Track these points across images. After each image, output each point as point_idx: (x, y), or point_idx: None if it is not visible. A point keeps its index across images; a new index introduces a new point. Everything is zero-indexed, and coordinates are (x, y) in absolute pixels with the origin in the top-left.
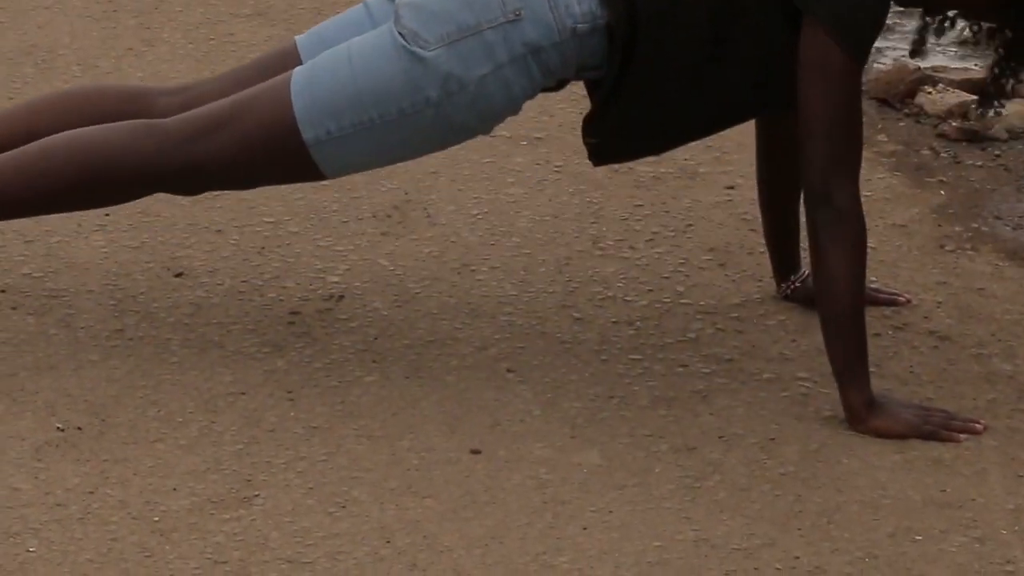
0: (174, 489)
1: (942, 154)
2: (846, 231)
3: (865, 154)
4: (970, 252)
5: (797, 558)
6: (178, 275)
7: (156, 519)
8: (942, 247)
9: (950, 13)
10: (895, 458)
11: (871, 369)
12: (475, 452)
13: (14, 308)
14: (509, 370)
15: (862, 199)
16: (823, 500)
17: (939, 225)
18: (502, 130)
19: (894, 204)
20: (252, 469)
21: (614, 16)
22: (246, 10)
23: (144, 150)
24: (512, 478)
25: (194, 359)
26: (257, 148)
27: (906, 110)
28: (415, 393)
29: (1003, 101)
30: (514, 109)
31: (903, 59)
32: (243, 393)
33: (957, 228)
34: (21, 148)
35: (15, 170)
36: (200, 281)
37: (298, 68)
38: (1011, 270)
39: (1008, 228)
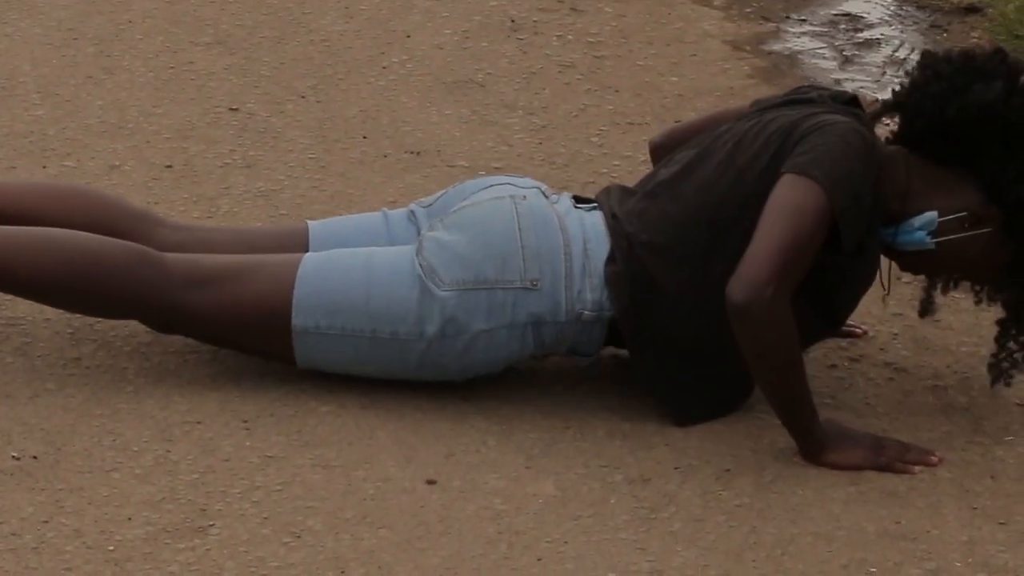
0: (129, 518)
1: None
2: (775, 325)
3: None
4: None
5: None
6: None
7: (111, 548)
8: (899, 279)
9: (954, 276)
10: (849, 490)
11: (827, 400)
12: (430, 482)
13: None
14: (464, 400)
15: None
16: (777, 531)
17: None
18: (460, 160)
19: None
20: (207, 498)
21: (621, 312)
22: (206, 39)
23: (139, 276)
24: (467, 508)
25: (150, 388)
26: (245, 314)
27: None
28: (371, 423)
29: (1015, 373)
30: (494, 369)
31: (860, 91)
32: (199, 422)
33: None
34: (23, 230)
35: (15, 249)
36: None
37: (310, 255)
38: (967, 302)
39: None
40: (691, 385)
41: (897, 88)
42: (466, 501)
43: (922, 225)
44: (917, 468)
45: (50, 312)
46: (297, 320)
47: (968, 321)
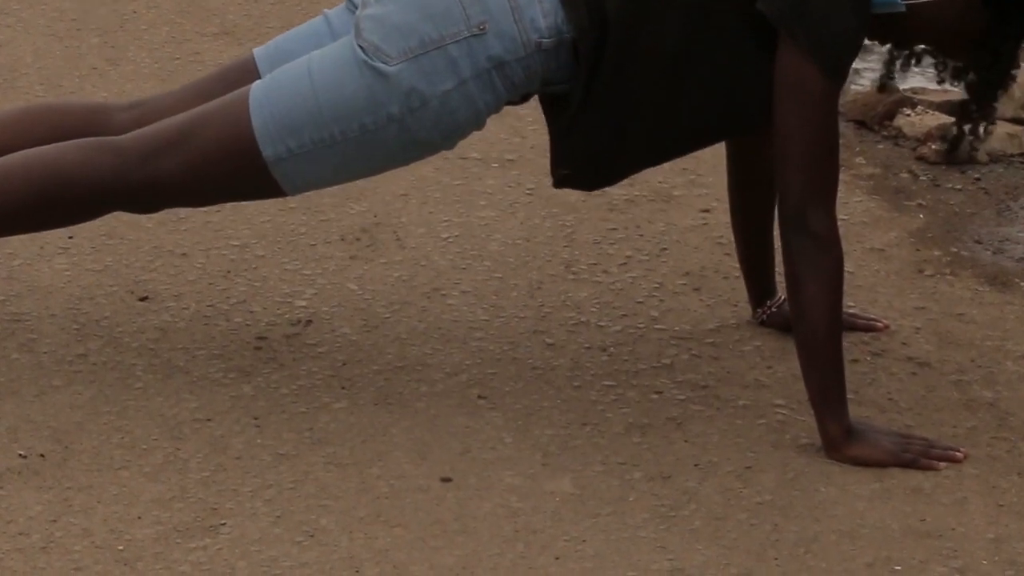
0: (139, 517)
1: (921, 177)
2: (822, 257)
3: (843, 177)
4: (949, 277)
5: None
6: (143, 299)
7: (121, 548)
8: (921, 272)
9: (917, 48)
10: (874, 487)
11: (849, 396)
12: (445, 480)
13: None
14: (480, 396)
15: (840, 223)
16: (800, 529)
17: (918, 249)
18: (473, 152)
19: (872, 228)
20: (218, 497)
21: (580, 32)
22: (212, 29)
23: (100, 167)
24: (483, 506)
25: (159, 385)
26: (215, 165)
27: (884, 132)
28: (384, 420)
29: (975, 141)
30: (478, 124)
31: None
32: (209, 419)
33: (936, 252)
34: None
35: None
36: (165, 305)
37: (256, 83)
38: (991, 295)
39: (988, 253)
40: (605, 149)
41: None
42: (482, 499)
43: None
44: (942, 464)
45: (56, 308)
46: (267, 151)
47: (992, 314)
